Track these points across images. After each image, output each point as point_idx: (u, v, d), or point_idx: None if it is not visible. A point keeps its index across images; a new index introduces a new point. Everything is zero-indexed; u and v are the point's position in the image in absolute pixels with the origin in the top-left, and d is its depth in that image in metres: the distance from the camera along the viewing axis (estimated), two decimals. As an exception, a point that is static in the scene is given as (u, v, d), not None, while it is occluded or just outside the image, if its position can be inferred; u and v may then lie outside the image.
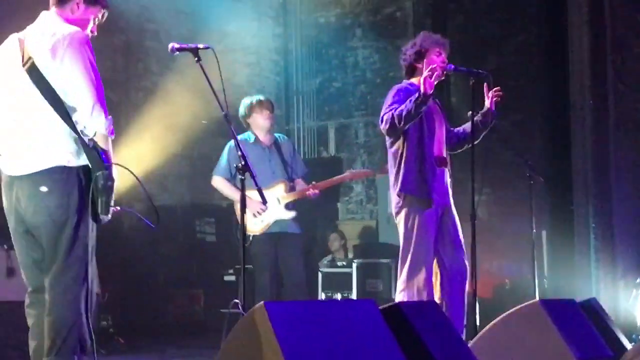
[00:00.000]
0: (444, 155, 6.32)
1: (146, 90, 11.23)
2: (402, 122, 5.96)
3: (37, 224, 4.75)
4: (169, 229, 11.51)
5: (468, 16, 11.26)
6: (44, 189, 4.69)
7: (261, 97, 7.76)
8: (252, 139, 7.66)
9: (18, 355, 7.17)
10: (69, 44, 4.60)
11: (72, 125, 4.65)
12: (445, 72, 6.24)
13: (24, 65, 4.67)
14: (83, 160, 4.69)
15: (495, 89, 6.34)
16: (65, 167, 4.71)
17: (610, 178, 9.29)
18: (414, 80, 6.35)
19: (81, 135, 4.67)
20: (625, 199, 9.23)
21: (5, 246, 8.14)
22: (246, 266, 5.67)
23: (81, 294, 4.71)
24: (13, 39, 4.82)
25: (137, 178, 5.06)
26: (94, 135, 4.67)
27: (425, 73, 5.88)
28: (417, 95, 5.88)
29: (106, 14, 5.16)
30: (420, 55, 6.33)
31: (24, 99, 4.72)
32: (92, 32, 5.01)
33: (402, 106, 5.97)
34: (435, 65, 5.95)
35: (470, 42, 10.92)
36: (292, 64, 12.58)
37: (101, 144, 4.72)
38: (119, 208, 5.04)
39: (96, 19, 5.05)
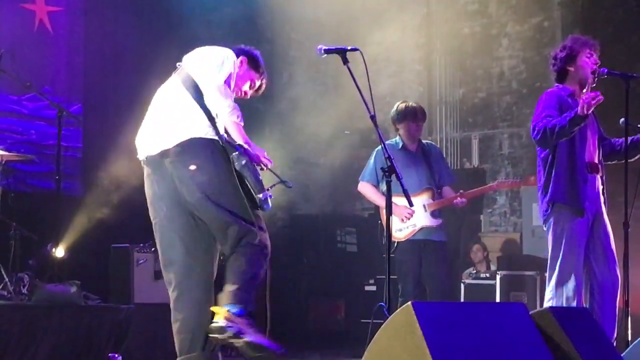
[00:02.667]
0: (596, 161, 6.20)
1: (290, 100, 11.38)
2: (555, 138, 5.91)
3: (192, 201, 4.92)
4: (310, 238, 11.63)
5: (618, 25, 11.03)
6: (192, 167, 4.86)
7: (416, 106, 7.69)
8: (399, 145, 7.65)
9: (162, 353, 7.35)
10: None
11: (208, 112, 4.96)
12: (597, 76, 6.16)
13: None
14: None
15: None
16: (206, 138, 4.90)
17: None
18: (566, 84, 6.27)
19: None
20: None
21: (154, 249, 8.38)
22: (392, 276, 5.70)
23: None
24: None
25: (260, 160, 5.16)
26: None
27: (587, 95, 5.77)
28: (573, 114, 5.78)
29: (264, 86, 5.43)
30: (571, 58, 6.24)
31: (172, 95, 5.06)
32: (244, 93, 5.25)
33: (556, 120, 5.88)
34: (601, 97, 5.82)
35: (620, 52, 10.71)
36: (435, 74, 12.56)
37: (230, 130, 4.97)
38: (269, 188, 5.13)
39: (253, 84, 5.30)
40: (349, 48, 5.35)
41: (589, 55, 6.24)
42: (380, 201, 7.46)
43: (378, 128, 5.47)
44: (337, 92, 10.62)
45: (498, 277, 10.14)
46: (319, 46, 5.41)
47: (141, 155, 5.13)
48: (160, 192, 5.04)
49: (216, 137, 4.92)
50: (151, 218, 5.19)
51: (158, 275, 8.29)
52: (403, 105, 7.70)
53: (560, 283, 5.89)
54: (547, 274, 6.14)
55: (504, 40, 12.15)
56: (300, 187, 10.88)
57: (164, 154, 4.95)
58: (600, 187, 6.17)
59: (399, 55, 12.54)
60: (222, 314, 4.76)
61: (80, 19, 10.58)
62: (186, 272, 5.02)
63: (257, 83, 5.40)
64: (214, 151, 4.91)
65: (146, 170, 5.13)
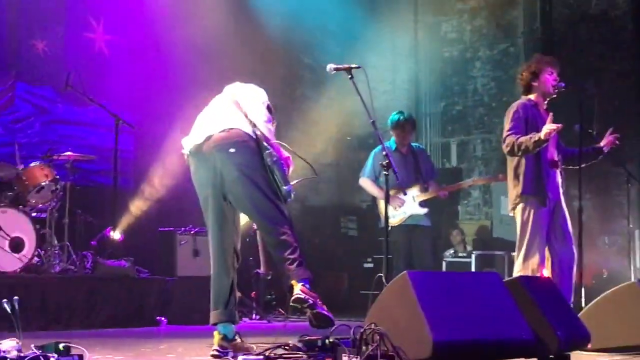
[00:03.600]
0: (556, 159, 6.17)
1: (303, 113, 11.35)
2: (520, 153, 5.93)
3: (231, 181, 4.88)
4: (318, 224, 11.62)
5: (571, 50, 11.00)
6: (231, 150, 4.83)
7: (407, 118, 7.66)
8: (393, 147, 7.62)
9: (199, 317, 7.33)
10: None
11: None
12: (557, 89, 6.18)
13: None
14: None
15: (616, 136, 6.34)
16: (245, 131, 4.87)
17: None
18: (531, 96, 6.24)
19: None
20: None
21: (193, 232, 8.37)
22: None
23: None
24: None
25: (295, 153, 5.22)
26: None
27: (551, 126, 5.78)
28: (537, 138, 5.80)
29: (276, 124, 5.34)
30: (535, 75, 6.21)
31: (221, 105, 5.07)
32: None
33: (523, 139, 5.87)
34: (560, 125, 5.84)
35: (574, 71, 10.71)
36: (421, 90, 12.54)
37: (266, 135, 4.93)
38: (297, 181, 5.13)
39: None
40: (353, 66, 5.36)
41: (550, 73, 6.22)
42: (378, 193, 7.48)
43: (377, 131, 5.46)
44: (340, 106, 10.61)
45: (473, 256, 10.20)
46: (330, 65, 5.41)
47: (186, 149, 5.08)
48: (201, 178, 5.00)
49: (253, 135, 4.91)
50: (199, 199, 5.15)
51: (196, 253, 8.32)
52: (397, 116, 7.69)
53: (527, 258, 5.86)
54: (515, 252, 6.13)
55: (477, 62, 12.13)
56: (310, 182, 10.87)
57: (208, 138, 4.89)
58: (560, 180, 6.15)
59: (391, 76, 12.54)
60: (299, 288, 4.72)
61: (130, 45, 10.60)
62: (220, 238, 4.99)
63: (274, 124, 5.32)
64: (249, 141, 4.89)
65: (191, 162, 5.07)
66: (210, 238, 5.05)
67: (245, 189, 4.85)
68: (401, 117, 7.62)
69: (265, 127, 4.92)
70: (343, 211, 12.22)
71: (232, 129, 4.89)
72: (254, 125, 4.91)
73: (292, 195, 4.98)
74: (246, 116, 4.96)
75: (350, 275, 11.26)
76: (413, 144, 7.89)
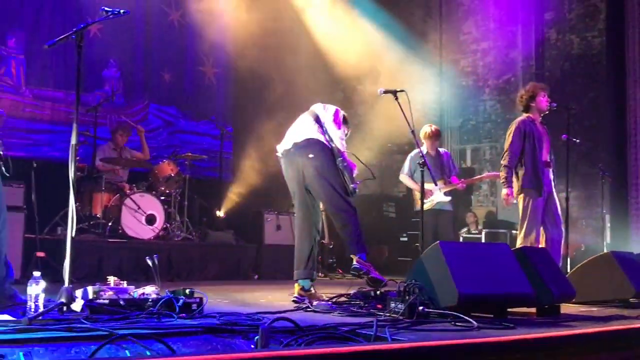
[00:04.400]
0: (549, 160, 6.10)
1: (356, 127, 11.34)
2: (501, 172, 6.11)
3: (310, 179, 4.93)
4: (367, 209, 11.60)
5: (559, 80, 10.82)
6: (310, 155, 4.88)
7: (434, 130, 7.58)
8: (425, 151, 7.57)
9: (281, 274, 7.39)
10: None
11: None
12: (549, 108, 6.11)
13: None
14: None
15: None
16: (321, 141, 4.91)
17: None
18: (529, 114, 6.16)
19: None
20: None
21: (276, 212, 8.43)
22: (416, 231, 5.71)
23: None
24: None
25: (361, 162, 5.27)
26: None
27: (504, 197, 6.04)
28: (505, 192, 6.02)
29: (349, 132, 5.31)
30: (532, 97, 6.14)
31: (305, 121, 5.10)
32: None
33: (504, 175, 6.03)
34: (510, 199, 5.99)
35: (561, 95, 10.52)
36: (444, 109, 12.40)
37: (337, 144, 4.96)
38: (358, 182, 5.15)
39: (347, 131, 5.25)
40: (398, 90, 5.29)
41: (543, 95, 6.14)
42: (414, 186, 7.44)
43: (415, 137, 5.44)
44: (384, 121, 10.57)
45: (483, 233, 10.09)
46: (380, 89, 5.33)
47: (279, 152, 5.16)
48: (289, 175, 5.07)
49: (329, 145, 4.95)
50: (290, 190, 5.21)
51: (278, 227, 8.38)
52: (427, 128, 7.61)
53: (527, 235, 5.81)
54: (517, 230, 6.08)
55: (487, 89, 11.96)
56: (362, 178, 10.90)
57: (294, 145, 4.97)
58: (551, 177, 6.07)
59: (422, 98, 12.46)
60: (355, 260, 4.82)
61: (230, 75, 10.72)
62: (303, 219, 5.05)
63: (348, 131, 5.35)
64: (325, 149, 4.93)
65: (282, 162, 5.13)
66: (296, 218, 5.13)
67: (320, 185, 4.91)
68: (430, 129, 7.59)
69: (339, 142, 4.96)
70: (385, 199, 12.19)
71: (311, 139, 4.95)
72: (331, 140, 4.98)
73: (357, 191, 5.04)
74: (326, 131, 5.02)
75: (390, 247, 11.24)
76: (440, 149, 7.85)
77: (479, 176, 8.58)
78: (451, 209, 7.62)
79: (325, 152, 4.92)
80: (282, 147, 5.09)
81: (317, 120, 5.07)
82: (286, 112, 5.45)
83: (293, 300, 4.70)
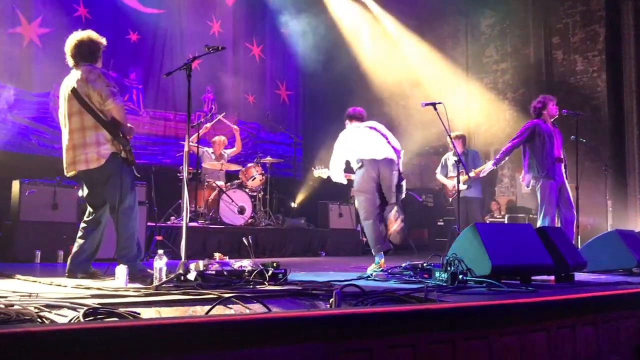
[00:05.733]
0: (561, 156, 5.90)
1: (399, 135, 11.19)
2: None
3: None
4: (408, 200, 11.46)
5: (562, 97, 10.45)
6: (394, 172, 4.99)
7: (463, 135, 7.44)
8: (460, 150, 7.46)
9: (343, 252, 7.34)
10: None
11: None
12: (559, 113, 5.92)
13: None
14: None
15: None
16: (394, 160, 4.99)
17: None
18: (540, 118, 5.97)
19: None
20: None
21: (338, 203, 8.36)
22: (451, 217, 5.60)
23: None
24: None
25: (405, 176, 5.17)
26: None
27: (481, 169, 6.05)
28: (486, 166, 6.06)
29: None
30: (544, 106, 5.96)
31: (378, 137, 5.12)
32: None
33: (501, 155, 5.96)
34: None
35: (569, 103, 10.16)
36: (470, 120, 12.10)
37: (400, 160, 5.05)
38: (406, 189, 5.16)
39: None
40: (437, 102, 5.23)
41: (553, 104, 5.96)
42: (447, 182, 7.32)
43: (452, 141, 5.35)
44: (421, 128, 10.44)
45: (506, 217, 9.84)
46: (423, 102, 5.31)
47: (365, 158, 5.02)
48: (371, 176, 4.99)
49: (397, 160, 4.96)
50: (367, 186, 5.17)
51: (340, 215, 8.37)
52: (457, 133, 7.50)
53: (545, 217, 5.65)
54: (537, 214, 5.91)
55: (506, 101, 11.70)
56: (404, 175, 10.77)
57: (380, 158, 4.96)
58: (564, 170, 5.87)
59: (452, 110, 12.21)
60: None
61: (299, 95, 10.78)
62: (374, 206, 5.02)
63: None
64: (393, 165, 4.94)
65: (365, 165, 4.98)
66: (367, 206, 5.06)
67: (386, 186, 4.92)
68: (460, 134, 7.45)
69: (402, 158, 5.01)
70: (424, 191, 12.00)
71: (392, 159, 4.98)
72: (399, 157, 4.99)
73: (404, 194, 5.02)
74: (395, 149, 5.01)
75: (429, 230, 11.08)
76: (468, 149, 7.68)
77: (480, 167, 8.33)
78: (480, 196, 7.46)
79: (394, 166, 4.98)
80: (366, 155, 5.00)
81: (388, 139, 5.07)
82: (344, 125, 5.41)
83: (380, 272, 4.67)
